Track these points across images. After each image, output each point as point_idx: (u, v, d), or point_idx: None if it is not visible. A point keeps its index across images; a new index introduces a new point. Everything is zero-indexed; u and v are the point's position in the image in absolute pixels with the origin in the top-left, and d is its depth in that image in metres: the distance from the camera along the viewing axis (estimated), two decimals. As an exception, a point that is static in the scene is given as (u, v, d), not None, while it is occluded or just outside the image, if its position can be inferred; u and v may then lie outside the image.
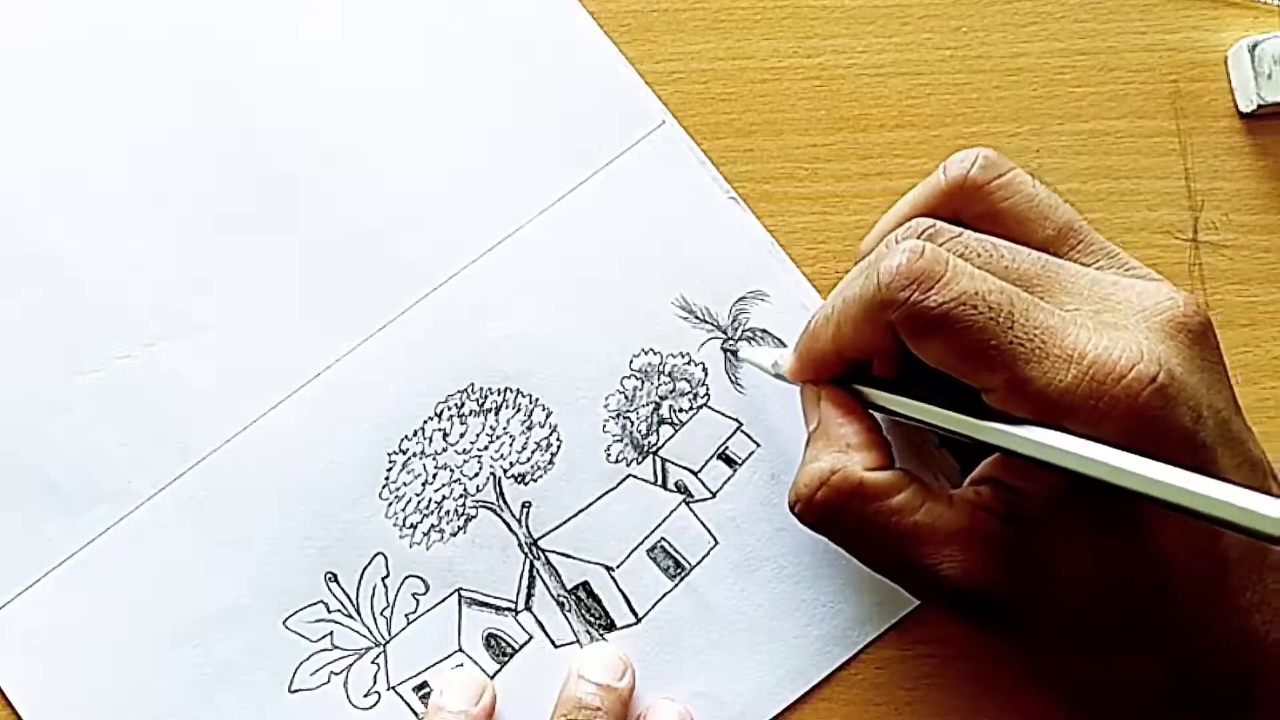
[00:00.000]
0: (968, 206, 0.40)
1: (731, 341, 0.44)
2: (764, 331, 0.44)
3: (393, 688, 0.43)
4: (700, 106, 0.46)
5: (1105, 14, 0.46)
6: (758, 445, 0.44)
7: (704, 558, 0.43)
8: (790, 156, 0.45)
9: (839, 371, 0.39)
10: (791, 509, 0.38)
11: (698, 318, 0.44)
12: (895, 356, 0.38)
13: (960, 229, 0.38)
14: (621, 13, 0.46)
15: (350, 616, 0.43)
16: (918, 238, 0.38)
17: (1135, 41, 0.46)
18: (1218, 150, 0.46)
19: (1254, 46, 0.45)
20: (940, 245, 0.37)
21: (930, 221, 0.39)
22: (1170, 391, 0.34)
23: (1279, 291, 0.45)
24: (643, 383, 0.44)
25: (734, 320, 0.44)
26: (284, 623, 0.43)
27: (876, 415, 0.39)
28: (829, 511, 0.37)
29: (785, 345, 0.44)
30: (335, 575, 0.43)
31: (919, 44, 0.46)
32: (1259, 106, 0.45)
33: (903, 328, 0.36)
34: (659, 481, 0.43)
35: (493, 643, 0.43)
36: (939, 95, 0.46)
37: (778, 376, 0.42)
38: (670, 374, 0.44)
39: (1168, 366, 0.34)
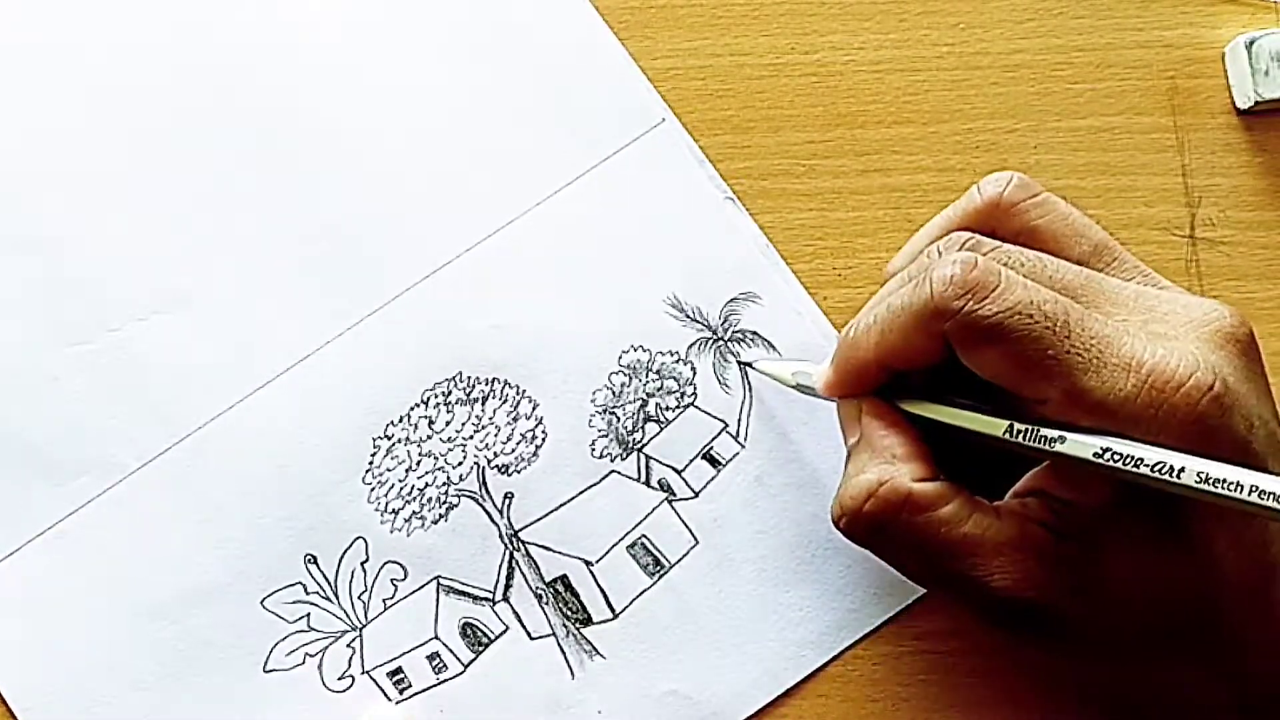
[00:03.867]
0: (1003, 224, 0.40)
1: (732, 344, 0.44)
2: (754, 333, 0.44)
3: (367, 672, 0.43)
4: (697, 103, 0.45)
5: (1103, 10, 0.46)
6: (742, 447, 0.44)
7: (683, 556, 0.43)
8: (788, 153, 0.45)
9: (879, 384, 0.39)
10: (836, 523, 0.38)
11: (688, 316, 0.44)
12: (932, 370, 0.37)
13: (1001, 242, 0.38)
14: (619, 9, 0.46)
15: (328, 599, 0.43)
16: (960, 249, 0.38)
17: (1132, 38, 0.46)
18: (1215, 147, 0.46)
19: (1251, 43, 0.45)
20: (985, 255, 0.37)
21: (970, 234, 0.39)
22: (1226, 401, 0.34)
23: (1276, 288, 0.45)
24: (630, 379, 0.44)
25: (725, 321, 0.44)
26: (261, 603, 0.43)
27: None
28: (877, 524, 0.37)
29: (777, 350, 0.44)
30: (315, 557, 0.43)
31: (916, 40, 0.46)
32: (1256, 103, 0.45)
33: (956, 337, 0.35)
34: (642, 478, 0.44)
35: (469, 632, 0.43)
36: (937, 92, 0.46)
37: (799, 389, 0.41)
38: (658, 372, 0.44)
39: (1222, 376, 0.34)
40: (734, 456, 0.44)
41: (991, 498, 0.38)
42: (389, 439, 0.43)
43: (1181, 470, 0.33)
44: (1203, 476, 0.33)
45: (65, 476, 0.43)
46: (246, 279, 0.44)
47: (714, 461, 0.44)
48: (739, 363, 0.44)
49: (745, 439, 0.44)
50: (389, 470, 0.43)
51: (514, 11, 0.46)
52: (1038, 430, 0.36)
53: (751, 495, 0.43)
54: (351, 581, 0.43)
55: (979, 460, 0.38)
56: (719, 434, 0.44)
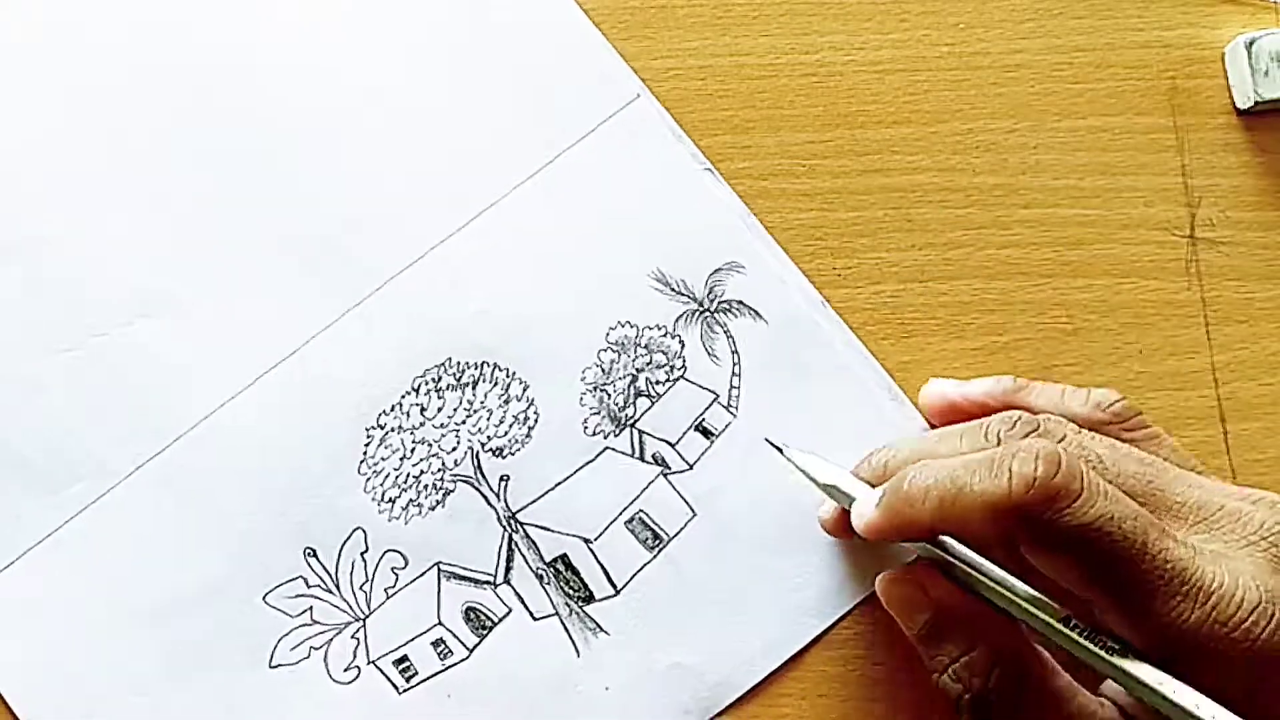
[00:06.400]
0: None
1: (719, 314, 0.44)
2: (740, 303, 0.44)
3: (373, 662, 0.43)
4: (698, 103, 0.46)
5: (1103, 11, 0.47)
6: (734, 416, 0.44)
7: (682, 529, 0.43)
8: (788, 153, 0.45)
9: (923, 539, 0.38)
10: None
11: (673, 290, 0.44)
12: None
13: (1068, 423, 0.38)
14: (619, 9, 0.46)
15: (329, 591, 0.43)
16: (1030, 432, 0.37)
17: (1132, 38, 0.46)
18: (1215, 147, 0.46)
19: (1251, 43, 0.45)
20: (1063, 446, 0.37)
21: (1034, 418, 0.38)
22: None
23: (1276, 288, 0.45)
24: (619, 355, 0.44)
25: (710, 292, 0.44)
26: (264, 598, 0.43)
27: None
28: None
29: (765, 320, 0.44)
30: (314, 550, 0.43)
31: (917, 40, 0.46)
32: (1256, 103, 0.45)
33: (1030, 539, 0.35)
34: (636, 454, 0.44)
35: (472, 616, 0.43)
36: (937, 92, 0.46)
37: (826, 490, 0.41)
38: (647, 346, 0.44)
39: None
40: (726, 426, 0.44)
41: None
42: (382, 428, 0.43)
43: None
44: None
45: (58, 485, 0.43)
46: (230, 277, 0.44)
47: (707, 433, 0.44)
48: (767, 442, 0.43)
49: (736, 408, 0.44)
50: (384, 459, 0.43)
51: (483, -5, 0.46)
52: (1096, 634, 0.35)
53: (746, 465, 0.43)
54: (352, 573, 0.43)
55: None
56: (710, 405, 0.44)
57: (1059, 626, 0.36)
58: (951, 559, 0.38)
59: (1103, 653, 0.35)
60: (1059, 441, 0.37)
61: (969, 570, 0.37)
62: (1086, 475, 0.35)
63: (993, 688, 0.36)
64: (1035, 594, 0.36)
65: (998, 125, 0.46)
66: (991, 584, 0.37)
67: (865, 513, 0.39)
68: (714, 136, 0.45)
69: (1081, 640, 0.35)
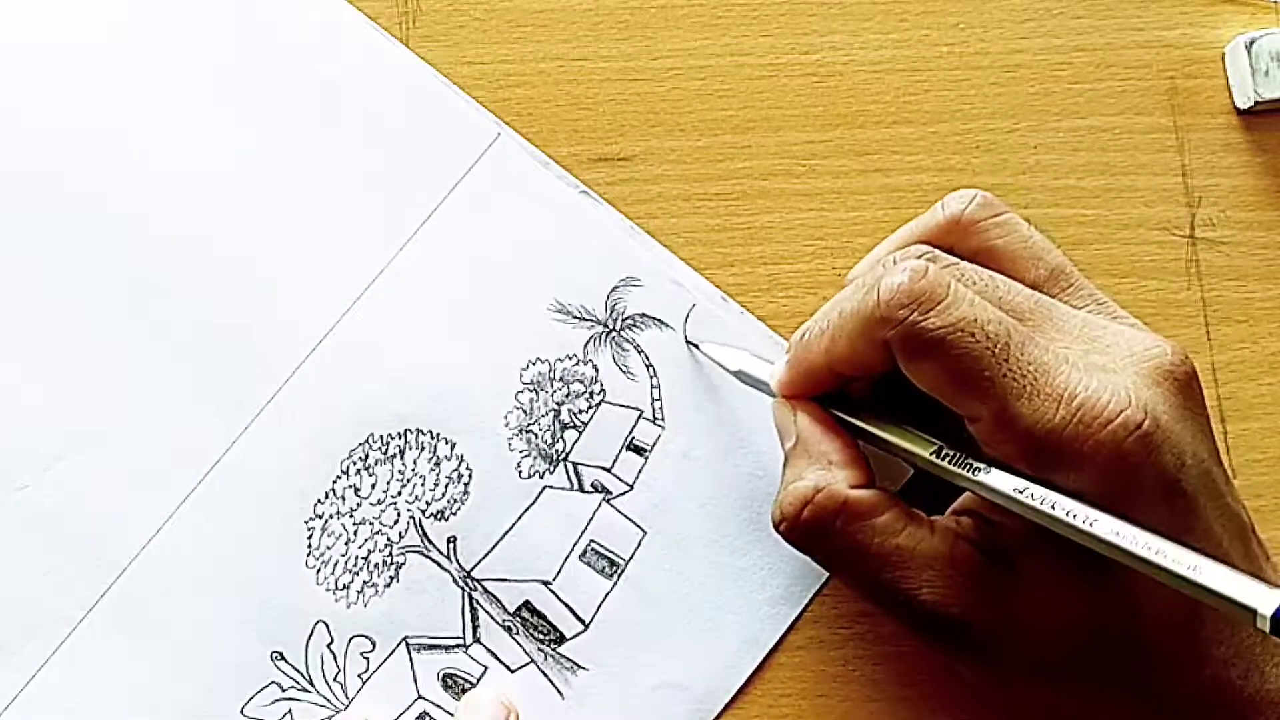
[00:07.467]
0: (962, 241, 0.40)
1: (625, 332, 0.44)
2: (643, 315, 0.44)
3: (362, 750, 0.42)
4: (698, 103, 0.45)
5: (1103, 10, 0.47)
6: (662, 428, 0.44)
7: (636, 550, 0.43)
8: (787, 153, 0.45)
9: (829, 387, 0.39)
10: (776, 528, 0.38)
11: (575, 317, 0.44)
12: (880, 376, 0.38)
13: (958, 259, 0.38)
14: (618, 9, 0.46)
15: (305, 690, 0.42)
16: (916, 260, 0.38)
17: (1132, 38, 0.46)
18: (1215, 147, 0.46)
19: (1251, 43, 0.45)
20: (938, 268, 0.37)
21: (928, 248, 0.39)
22: (1155, 439, 0.34)
23: (1276, 287, 0.45)
24: (537, 393, 0.44)
25: (612, 311, 0.44)
26: (241, 711, 0.42)
27: None
28: (814, 531, 0.37)
29: (671, 326, 0.44)
30: (281, 653, 0.42)
31: (916, 40, 0.46)
32: (1256, 103, 0.45)
33: (898, 347, 0.36)
34: (575, 486, 0.43)
35: (450, 682, 0.43)
36: (936, 91, 0.46)
37: (739, 376, 0.42)
38: (562, 378, 0.44)
39: (1154, 413, 0.35)
40: (657, 439, 0.44)
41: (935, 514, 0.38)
42: (320, 517, 0.43)
43: (1094, 522, 0.34)
44: (1116, 533, 0.33)
45: (12, 646, 0.42)
46: (139, 400, 0.44)
47: (639, 450, 0.44)
48: (686, 341, 0.44)
49: (662, 419, 0.44)
50: (329, 548, 0.43)
51: (325, 75, 0.45)
52: (964, 458, 0.36)
53: (683, 471, 0.43)
54: (323, 667, 0.43)
55: (929, 476, 0.38)
56: (636, 422, 0.44)
57: (929, 457, 0.37)
58: (841, 415, 0.39)
59: (967, 473, 0.36)
60: (942, 267, 0.37)
61: (852, 420, 0.39)
62: (952, 284, 0.36)
63: (804, 518, 0.37)
64: (912, 432, 0.38)
65: (997, 125, 0.46)
66: (866, 428, 0.38)
67: (777, 372, 0.40)
68: (714, 136, 0.45)
69: (949, 466, 0.36)
